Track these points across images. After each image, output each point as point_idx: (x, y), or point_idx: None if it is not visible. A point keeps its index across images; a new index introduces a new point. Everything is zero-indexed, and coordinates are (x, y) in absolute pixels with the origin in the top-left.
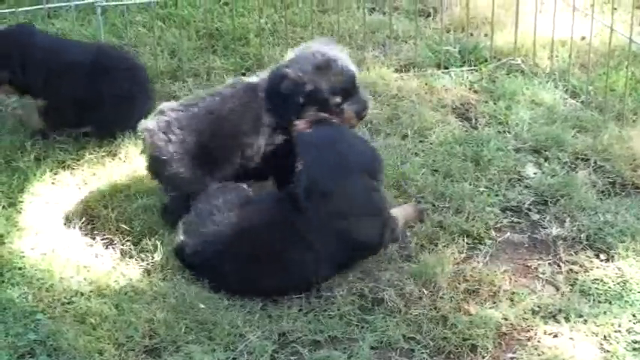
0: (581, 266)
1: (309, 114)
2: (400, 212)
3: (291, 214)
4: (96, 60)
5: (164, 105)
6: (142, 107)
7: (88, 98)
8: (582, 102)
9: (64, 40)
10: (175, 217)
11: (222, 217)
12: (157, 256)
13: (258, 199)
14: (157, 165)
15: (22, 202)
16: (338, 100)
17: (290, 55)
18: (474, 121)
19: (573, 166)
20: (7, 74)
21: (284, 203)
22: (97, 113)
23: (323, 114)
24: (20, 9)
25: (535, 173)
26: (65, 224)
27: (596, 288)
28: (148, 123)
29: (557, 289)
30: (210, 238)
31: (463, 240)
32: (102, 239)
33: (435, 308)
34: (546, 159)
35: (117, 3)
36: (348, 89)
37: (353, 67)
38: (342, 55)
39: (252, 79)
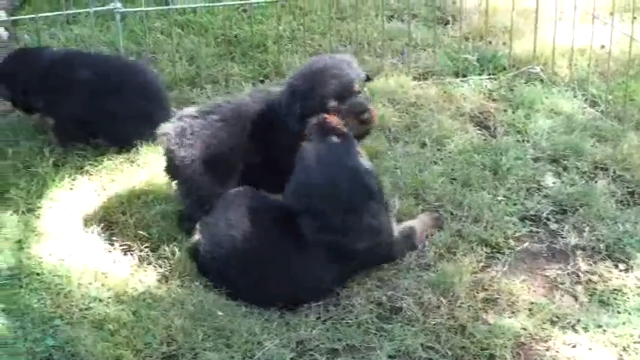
0: (600, 276)
1: (316, 119)
2: (418, 221)
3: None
4: (104, 76)
5: (182, 111)
6: (155, 120)
7: (96, 116)
8: (601, 111)
9: (72, 55)
10: (191, 224)
11: (236, 221)
12: (175, 263)
13: (272, 205)
14: (172, 170)
15: (40, 207)
16: (333, 103)
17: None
18: (492, 129)
19: (592, 175)
20: (9, 93)
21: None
22: (107, 129)
23: (329, 121)
24: (40, 15)
25: (554, 182)
26: (83, 230)
27: (615, 298)
28: (166, 128)
29: (576, 299)
30: (222, 241)
31: (482, 249)
32: (120, 245)
33: (454, 317)
34: (565, 168)
35: (136, 9)
36: (343, 92)
37: (353, 72)
38: (343, 61)
39: (275, 88)
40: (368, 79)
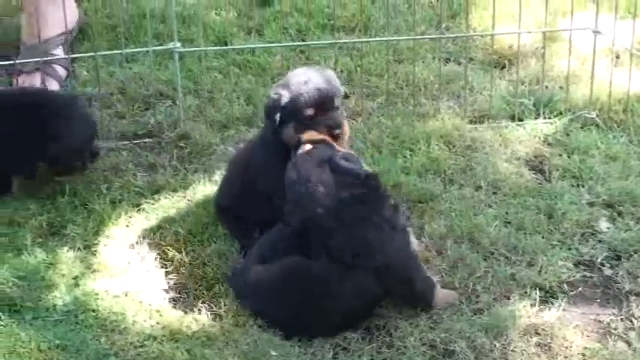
0: None
1: (309, 133)
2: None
3: None
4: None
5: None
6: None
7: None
8: None
9: None
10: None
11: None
12: (229, 302)
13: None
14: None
15: (97, 244)
16: (310, 112)
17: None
18: (547, 173)
19: None
20: None
21: None
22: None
23: (318, 134)
24: (99, 53)
25: (608, 228)
26: (139, 268)
27: None
28: None
29: (629, 345)
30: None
31: (535, 293)
32: (175, 284)
33: None
34: (620, 214)
35: (195, 49)
36: (323, 104)
37: (334, 87)
38: (326, 75)
39: None
40: (346, 96)
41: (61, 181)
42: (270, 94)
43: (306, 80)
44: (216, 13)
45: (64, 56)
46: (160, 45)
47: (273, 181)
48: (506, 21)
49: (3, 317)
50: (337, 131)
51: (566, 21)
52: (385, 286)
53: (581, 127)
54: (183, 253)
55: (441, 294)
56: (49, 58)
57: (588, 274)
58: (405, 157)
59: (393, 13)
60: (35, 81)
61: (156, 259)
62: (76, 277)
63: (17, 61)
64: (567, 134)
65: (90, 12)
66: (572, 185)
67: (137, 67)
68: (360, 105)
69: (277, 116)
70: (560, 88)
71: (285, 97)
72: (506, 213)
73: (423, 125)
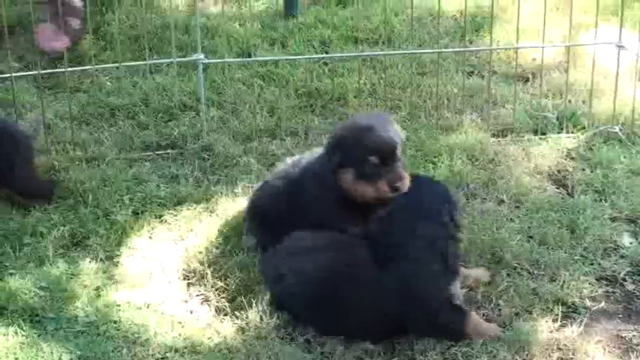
0: None
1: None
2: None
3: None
4: None
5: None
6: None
7: None
8: None
9: None
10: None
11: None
12: (252, 315)
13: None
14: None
15: (119, 255)
16: (374, 160)
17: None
18: (570, 188)
19: None
20: None
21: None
22: None
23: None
24: (124, 64)
25: (631, 243)
26: (161, 279)
27: None
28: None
29: None
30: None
31: (557, 308)
32: (197, 295)
33: None
34: None
35: (219, 60)
36: (386, 155)
37: (397, 135)
38: (389, 123)
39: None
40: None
41: (85, 192)
42: (334, 132)
43: (370, 126)
44: (239, 25)
45: (88, 67)
46: (184, 56)
47: (327, 216)
48: (529, 35)
49: (25, 328)
50: (398, 184)
51: (589, 35)
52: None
53: (604, 142)
54: (206, 265)
55: (478, 325)
56: None
57: (610, 290)
58: (428, 170)
59: (417, 25)
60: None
61: (178, 270)
62: (97, 288)
63: None
64: (590, 148)
65: (114, 22)
66: (595, 200)
67: (161, 78)
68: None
69: (337, 157)
70: (583, 102)
71: (349, 139)
72: (529, 227)
73: (446, 138)
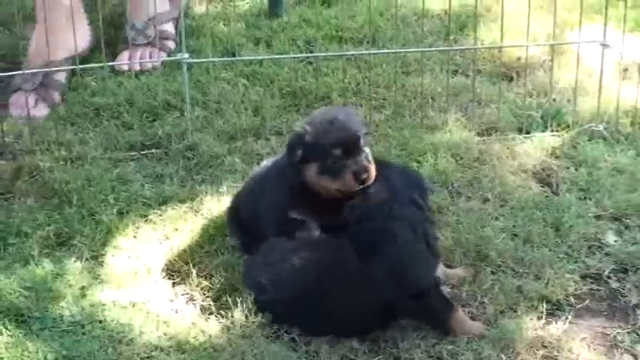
0: None
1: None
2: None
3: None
4: None
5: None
6: None
7: None
8: None
9: None
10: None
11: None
12: (237, 313)
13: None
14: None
15: (104, 255)
16: (338, 152)
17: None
18: (555, 186)
19: None
20: None
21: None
22: None
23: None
24: (109, 64)
25: (615, 241)
26: (146, 279)
27: None
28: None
29: (636, 358)
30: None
31: (542, 306)
32: (182, 295)
33: None
34: (627, 227)
35: (203, 60)
36: (349, 147)
37: (360, 127)
38: (352, 115)
39: None
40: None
41: (69, 192)
42: (295, 128)
43: (332, 119)
44: (224, 24)
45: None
46: (169, 56)
47: (271, 211)
48: (514, 33)
49: (10, 327)
50: (364, 176)
51: (574, 34)
52: (397, 294)
53: (589, 140)
54: (191, 265)
55: (463, 322)
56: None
57: (595, 287)
58: (413, 169)
59: (401, 25)
60: (146, 54)
61: (163, 270)
62: (83, 288)
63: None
64: (575, 147)
65: (97, 23)
66: (580, 198)
67: (146, 78)
68: (368, 117)
69: (299, 152)
70: (568, 101)
71: (311, 133)
72: (514, 226)
73: (430, 137)
